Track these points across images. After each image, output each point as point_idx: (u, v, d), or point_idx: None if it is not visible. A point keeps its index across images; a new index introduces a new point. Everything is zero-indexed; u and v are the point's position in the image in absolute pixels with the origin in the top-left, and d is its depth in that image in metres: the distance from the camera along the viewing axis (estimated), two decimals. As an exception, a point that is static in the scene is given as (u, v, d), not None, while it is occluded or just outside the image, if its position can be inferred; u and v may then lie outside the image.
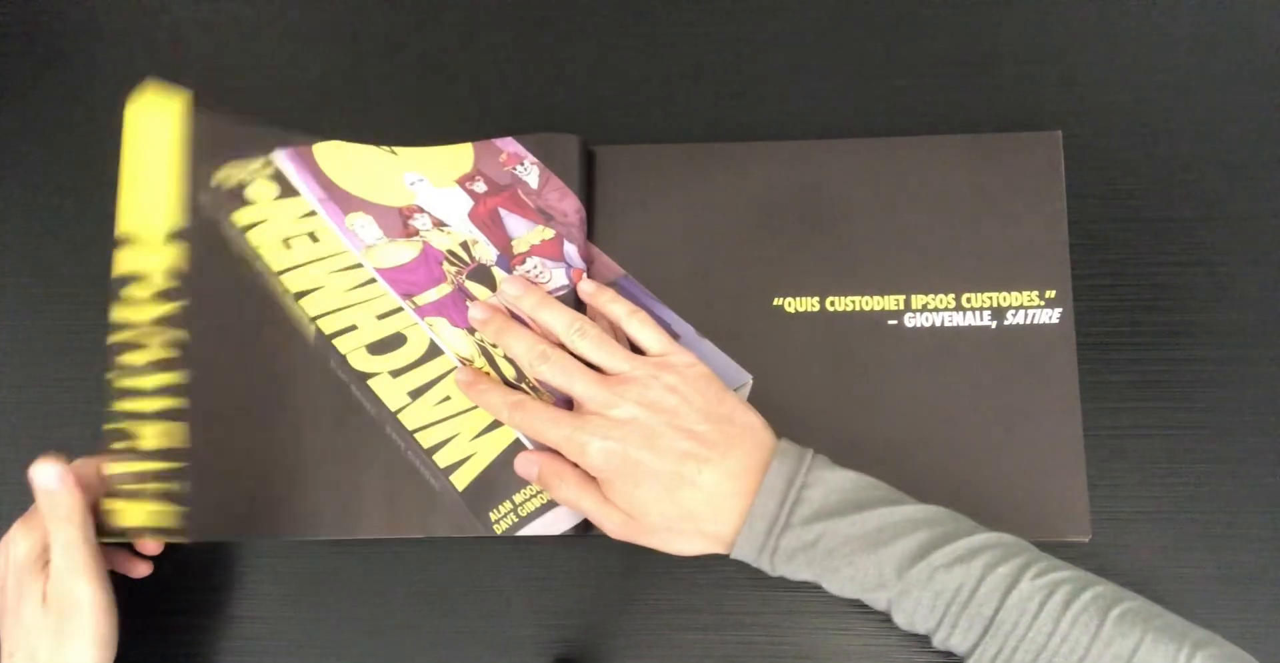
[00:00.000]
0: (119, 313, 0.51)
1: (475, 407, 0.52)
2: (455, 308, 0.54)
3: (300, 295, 0.54)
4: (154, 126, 0.53)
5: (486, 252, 0.54)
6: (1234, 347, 0.52)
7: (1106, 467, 0.51)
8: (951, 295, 0.52)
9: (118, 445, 0.50)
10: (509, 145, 0.55)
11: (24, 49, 0.61)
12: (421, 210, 0.55)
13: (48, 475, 0.46)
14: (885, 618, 0.51)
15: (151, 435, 0.50)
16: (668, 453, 0.44)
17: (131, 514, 0.49)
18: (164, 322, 0.51)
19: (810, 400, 0.52)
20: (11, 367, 0.57)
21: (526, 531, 0.50)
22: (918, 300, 0.52)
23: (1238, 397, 0.51)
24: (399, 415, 0.53)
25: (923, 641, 0.50)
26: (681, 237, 0.54)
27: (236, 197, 0.54)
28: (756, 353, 0.52)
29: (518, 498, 0.50)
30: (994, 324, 0.51)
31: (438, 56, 0.59)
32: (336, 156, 0.56)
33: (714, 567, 0.52)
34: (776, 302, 0.53)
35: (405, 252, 0.55)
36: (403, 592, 0.53)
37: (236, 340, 0.53)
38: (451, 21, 0.59)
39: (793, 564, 0.43)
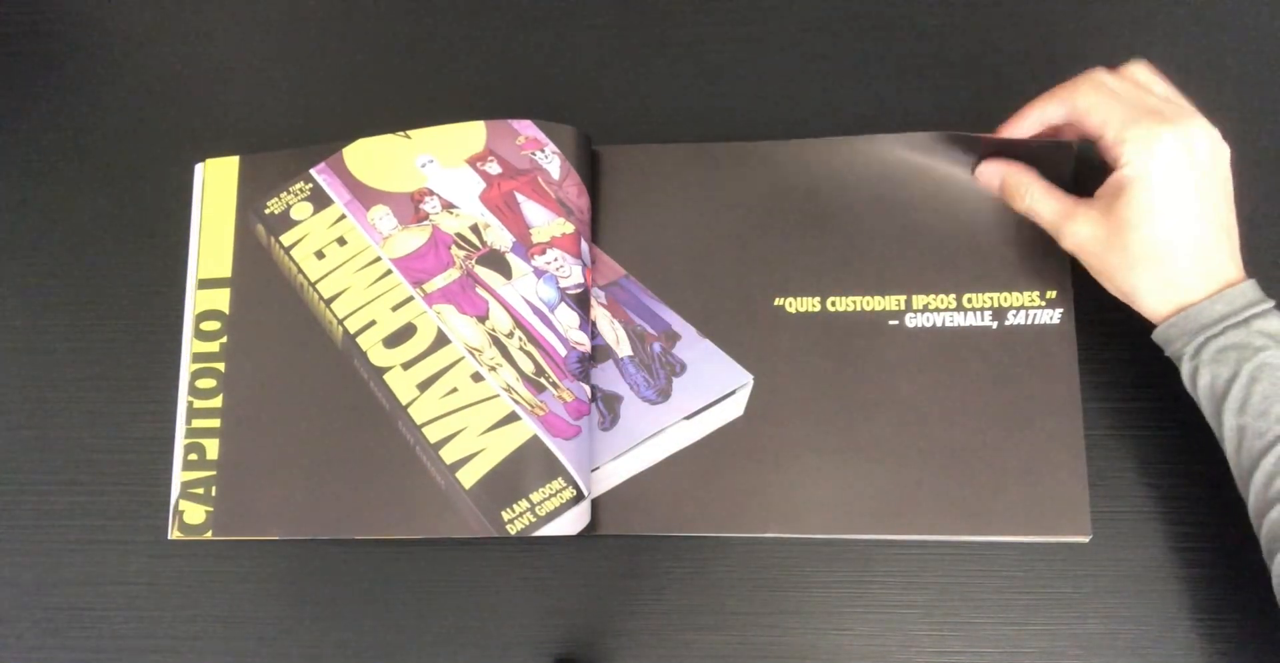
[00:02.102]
0: (197, 345, 0.56)
1: (484, 399, 0.52)
2: (464, 295, 0.53)
3: (331, 300, 0.55)
4: (219, 188, 0.58)
5: (500, 237, 0.53)
6: (1234, 347, 0.52)
7: (1106, 467, 0.51)
8: (952, 296, 0.52)
9: (192, 457, 0.54)
10: (527, 128, 0.54)
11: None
12: (431, 193, 0.55)
13: None
14: (884, 618, 0.51)
15: (213, 448, 0.55)
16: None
17: (193, 514, 0.54)
18: (222, 353, 0.56)
19: (810, 400, 0.52)
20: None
21: (544, 531, 0.50)
22: (919, 301, 0.52)
23: (1238, 397, 0.51)
24: (409, 409, 0.52)
25: (924, 641, 0.51)
26: (682, 236, 0.54)
27: (285, 219, 0.56)
28: (756, 353, 0.52)
29: (535, 497, 0.50)
30: (995, 324, 0.51)
31: (440, 55, 0.59)
32: (362, 154, 0.56)
33: (714, 567, 0.52)
34: (777, 302, 0.53)
35: (416, 238, 0.55)
36: (403, 592, 0.53)
37: (273, 358, 0.55)
38: (453, 21, 0.59)
39: (1220, 356, 0.43)
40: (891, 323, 0.52)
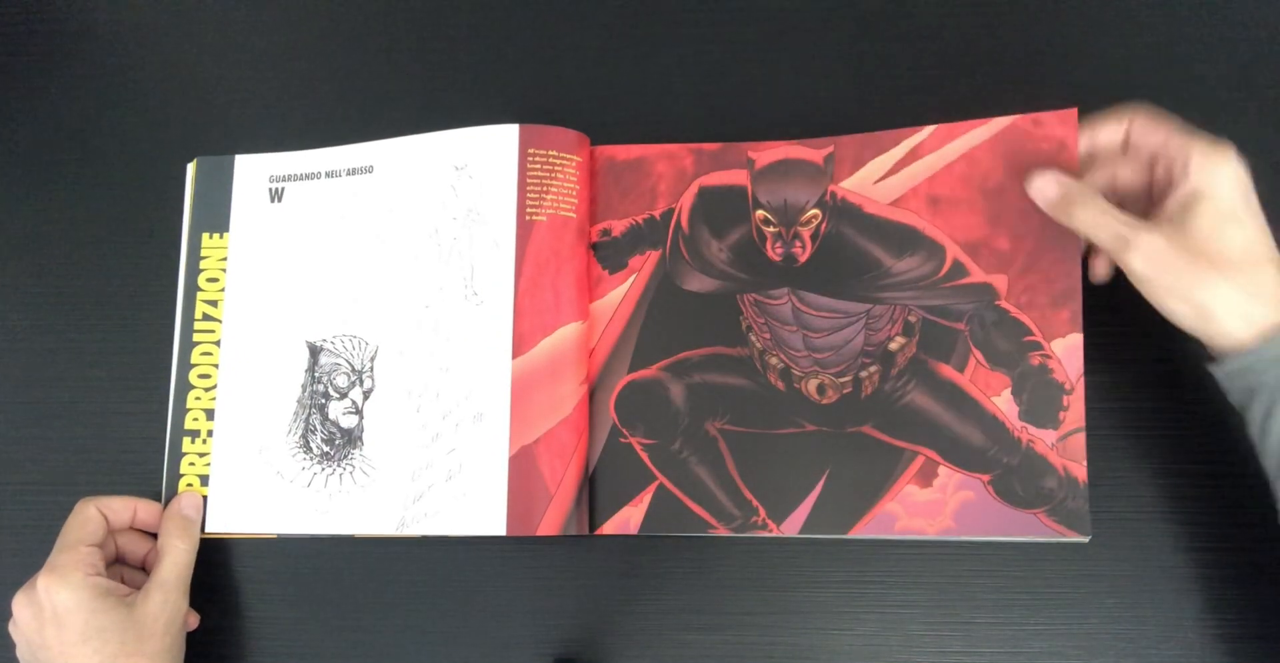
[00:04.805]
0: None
1: None
2: None
3: None
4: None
5: None
6: (1234, 347, 0.52)
7: (1106, 467, 0.51)
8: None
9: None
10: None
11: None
12: None
13: (196, 505, 0.53)
14: (884, 618, 0.51)
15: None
16: None
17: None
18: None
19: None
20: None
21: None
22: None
23: (1238, 397, 0.51)
24: None
25: (924, 641, 0.51)
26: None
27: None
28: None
29: None
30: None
31: (438, 54, 0.59)
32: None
33: (714, 567, 0.52)
34: None
35: None
36: (403, 592, 0.53)
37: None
38: (453, 20, 0.59)
39: None
40: None
